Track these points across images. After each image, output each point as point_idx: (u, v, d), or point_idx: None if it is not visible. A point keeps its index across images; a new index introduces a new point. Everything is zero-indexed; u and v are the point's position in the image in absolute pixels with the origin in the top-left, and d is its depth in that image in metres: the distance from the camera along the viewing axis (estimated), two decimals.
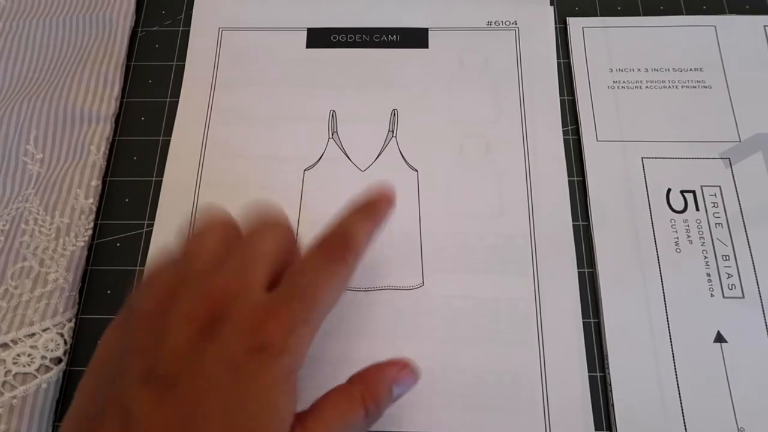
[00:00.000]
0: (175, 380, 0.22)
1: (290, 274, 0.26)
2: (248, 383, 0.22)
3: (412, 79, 0.41)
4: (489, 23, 0.43)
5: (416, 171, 0.39)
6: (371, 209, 0.29)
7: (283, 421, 0.23)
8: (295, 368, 0.24)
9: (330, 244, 0.27)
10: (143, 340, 0.24)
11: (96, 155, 0.38)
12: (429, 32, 0.43)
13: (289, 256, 0.28)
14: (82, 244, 0.35)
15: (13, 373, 0.31)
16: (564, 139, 0.39)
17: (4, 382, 0.31)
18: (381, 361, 0.28)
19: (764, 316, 0.34)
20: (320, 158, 0.39)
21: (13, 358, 0.31)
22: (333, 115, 0.40)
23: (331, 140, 0.40)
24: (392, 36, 0.43)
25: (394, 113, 0.40)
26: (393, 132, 0.40)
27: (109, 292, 0.36)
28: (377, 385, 0.27)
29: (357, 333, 0.35)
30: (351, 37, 0.43)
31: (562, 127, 0.40)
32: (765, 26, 0.42)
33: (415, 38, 0.43)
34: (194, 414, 0.22)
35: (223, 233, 0.27)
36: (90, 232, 0.36)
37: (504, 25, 0.43)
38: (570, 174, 0.38)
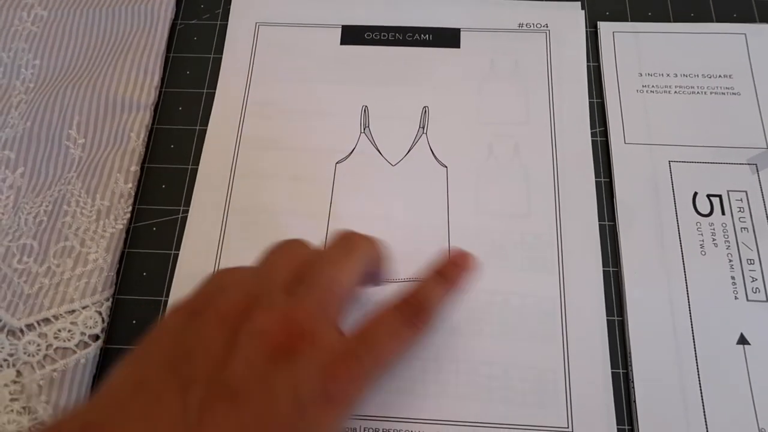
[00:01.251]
0: (241, 395, 0.22)
1: (368, 326, 0.27)
2: (309, 425, 0.23)
3: (444, 78, 0.42)
4: (520, 25, 0.44)
5: (446, 167, 0.39)
6: (451, 277, 0.29)
7: None
8: (347, 419, 0.25)
9: (409, 308, 0.27)
10: (216, 342, 0.24)
11: (136, 142, 0.39)
12: (461, 32, 0.44)
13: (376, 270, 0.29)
14: (121, 226, 0.37)
15: (54, 347, 0.32)
16: (592, 140, 0.40)
17: (46, 356, 0.32)
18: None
19: None
20: (352, 152, 0.40)
21: (54, 333, 0.33)
22: (365, 110, 0.41)
23: (363, 135, 0.41)
24: (425, 35, 0.44)
25: (425, 110, 0.41)
26: (423, 129, 0.41)
27: (144, 274, 0.37)
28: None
29: None
30: (384, 35, 0.44)
31: (591, 129, 0.40)
32: None
33: (447, 38, 0.43)
34: None
35: (305, 252, 0.28)
36: (128, 215, 0.37)
37: (535, 28, 0.43)
38: (597, 175, 0.39)
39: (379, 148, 0.40)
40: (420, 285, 0.29)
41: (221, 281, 0.27)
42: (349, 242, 0.29)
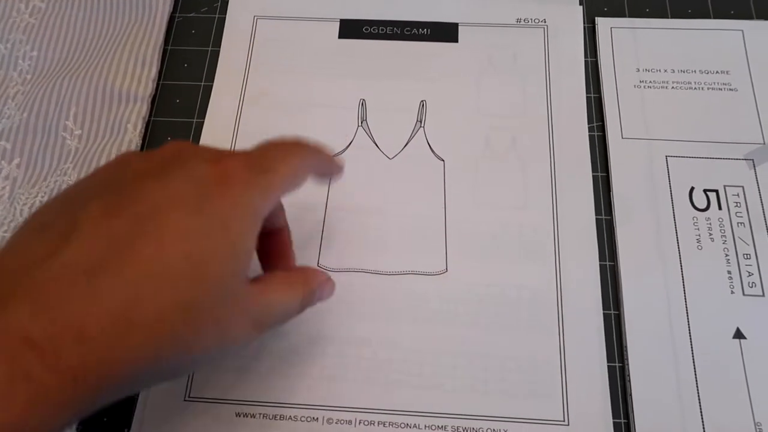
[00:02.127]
0: (135, 196, 0.22)
1: (254, 149, 0.27)
2: (211, 202, 0.23)
3: (442, 72, 0.42)
4: (518, 20, 0.44)
5: (443, 161, 0.39)
6: (319, 150, 0.30)
7: (235, 245, 0.23)
8: (258, 209, 0.24)
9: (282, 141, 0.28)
10: (104, 173, 0.25)
11: (132, 133, 0.39)
12: (459, 27, 0.44)
13: None
14: None
15: None
16: (589, 135, 0.40)
17: None
18: (311, 267, 0.31)
19: None
20: (349, 145, 0.40)
21: None
22: (363, 103, 0.41)
23: (360, 128, 0.41)
24: (423, 29, 0.44)
25: (422, 104, 0.41)
26: (421, 122, 0.41)
27: None
28: (312, 283, 0.29)
29: (380, 315, 0.35)
30: (382, 29, 0.44)
31: (588, 123, 0.40)
32: None
33: (445, 32, 0.44)
34: (146, 223, 0.21)
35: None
36: None
37: (533, 23, 0.44)
38: (594, 169, 0.39)
39: (376, 142, 0.40)
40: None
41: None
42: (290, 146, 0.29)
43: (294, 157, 0.27)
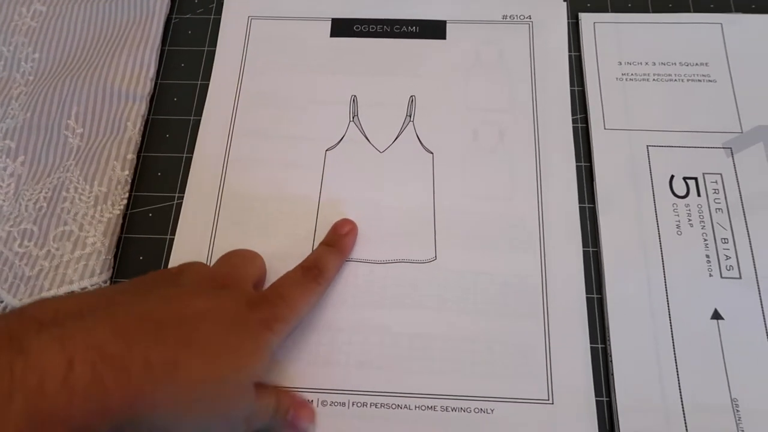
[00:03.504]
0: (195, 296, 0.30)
1: (275, 284, 0.33)
2: (243, 323, 0.29)
3: (430, 68, 0.44)
4: (504, 17, 0.45)
5: (432, 153, 0.41)
6: (339, 244, 0.37)
7: (251, 362, 0.29)
8: (273, 348, 0.30)
9: (308, 268, 0.35)
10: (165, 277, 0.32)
11: (132, 131, 0.40)
12: (447, 24, 0.45)
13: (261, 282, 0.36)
14: (118, 212, 0.38)
15: None
16: (573, 127, 0.41)
17: None
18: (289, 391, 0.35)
19: (759, 296, 0.36)
20: (341, 140, 0.41)
21: None
22: (354, 99, 0.43)
23: (352, 123, 0.42)
24: (412, 27, 0.45)
25: (412, 99, 0.42)
26: (411, 116, 0.42)
27: (141, 258, 0.38)
28: (284, 399, 0.33)
29: (373, 302, 0.37)
30: (373, 28, 0.45)
31: (572, 115, 0.42)
32: None
33: (433, 29, 0.45)
34: (205, 316, 0.28)
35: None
36: (125, 201, 0.39)
37: (519, 19, 0.45)
38: (578, 160, 0.40)
39: (367, 136, 0.41)
40: (314, 253, 0.36)
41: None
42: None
43: (307, 300, 0.34)
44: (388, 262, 0.38)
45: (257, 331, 0.30)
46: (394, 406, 0.34)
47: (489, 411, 0.34)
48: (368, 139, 0.41)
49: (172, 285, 0.31)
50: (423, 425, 0.34)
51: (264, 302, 0.31)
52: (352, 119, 0.42)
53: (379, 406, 0.34)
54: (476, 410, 0.34)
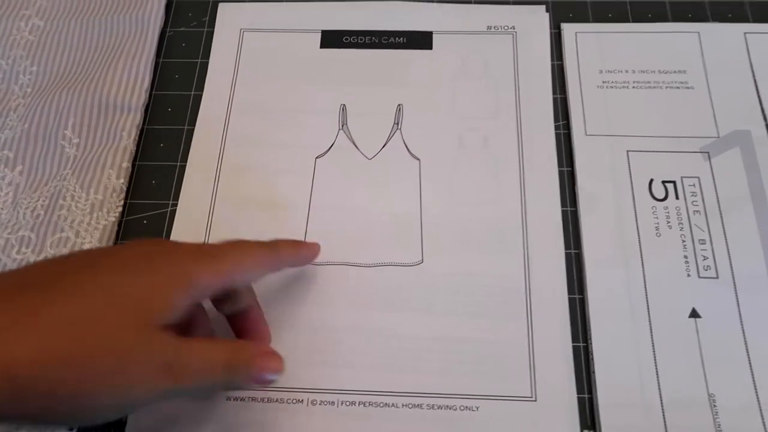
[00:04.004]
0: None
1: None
2: (152, 262, 0.28)
3: (417, 78, 0.45)
4: (489, 28, 0.47)
5: (418, 160, 0.42)
6: (301, 246, 0.37)
7: (154, 297, 0.26)
8: (194, 280, 0.28)
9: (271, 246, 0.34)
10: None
11: (127, 140, 0.41)
12: (434, 35, 0.46)
13: None
14: (114, 219, 0.39)
15: None
16: (556, 133, 0.42)
17: None
18: (253, 342, 0.34)
19: (736, 295, 0.37)
20: (330, 147, 0.43)
21: None
22: (343, 108, 0.44)
23: (341, 131, 0.43)
24: (399, 38, 0.46)
25: (399, 108, 0.44)
26: (398, 124, 0.43)
27: None
28: (241, 352, 0.30)
29: (362, 304, 0.38)
30: (361, 39, 0.47)
31: (555, 122, 0.43)
32: (745, 33, 0.45)
33: (420, 40, 0.46)
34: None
35: None
36: (120, 209, 0.40)
37: (503, 30, 0.46)
38: (560, 165, 0.42)
39: (356, 144, 0.43)
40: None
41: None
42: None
43: (244, 254, 0.31)
44: (376, 266, 0.39)
45: (165, 265, 0.27)
46: (382, 405, 0.35)
47: (474, 408, 0.35)
48: (357, 147, 0.43)
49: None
50: (410, 423, 0.35)
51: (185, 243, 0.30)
52: (341, 127, 0.43)
53: (367, 405, 0.35)
54: (462, 408, 0.35)
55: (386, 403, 0.35)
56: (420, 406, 0.35)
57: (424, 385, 0.35)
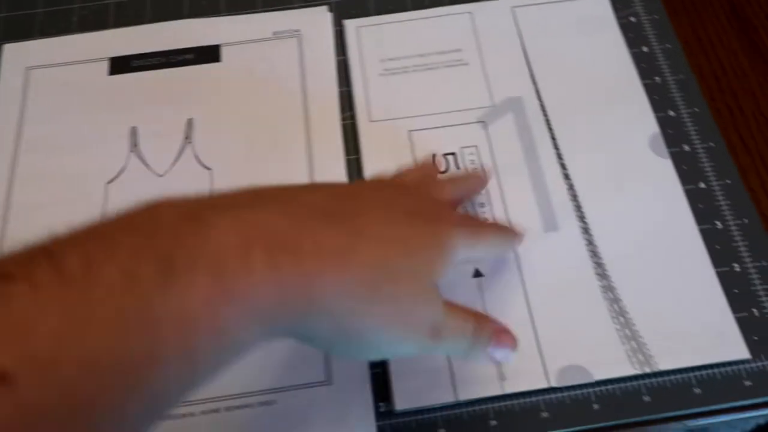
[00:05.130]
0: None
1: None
2: (421, 215, 0.29)
3: (207, 91, 0.45)
4: (275, 33, 0.48)
5: (210, 169, 0.42)
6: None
7: (426, 253, 0.28)
8: (456, 250, 0.29)
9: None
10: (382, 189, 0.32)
11: None
12: (221, 48, 0.47)
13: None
14: None
15: None
16: (343, 124, 0.44)
17: None
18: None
19: (515, 251, 0.38)
20: (121, 171, 0.42)
21: None
22: (134, 131, 0.44)
23: (132, 154, 0.43)
24: (188, 55, 0.47)
25: (189, 122, 0.44)
26: (188, 138, 0.44)
27: None
28: (486, 321, 0.32)
29: None
30: (149, 61, 0.47)
31: (341, 114, 0.44)
32: (512, 7, 0.48)
33: (208, 54, 0.47)
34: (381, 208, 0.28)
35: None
36: None
37: (288, 34, 0.48)
38: (349, 154, 0.43)
39: (147, 163, 0.43)
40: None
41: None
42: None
43: (499, 236, 0.36)
44: None
45: (437, 226, 0.29)
46: (179, 416, 0.35)
47: (272, 402, 0.35)
48: (148, 166, 0.43)
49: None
50: (209, 429, 0.34)
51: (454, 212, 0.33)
52: (132, 149, 0.43)
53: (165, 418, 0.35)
54: (259, 404, 0.35)
55: (182, 414, 0.35)
56: (218, 410, 0.35)
57: (219, 388, 0.35)
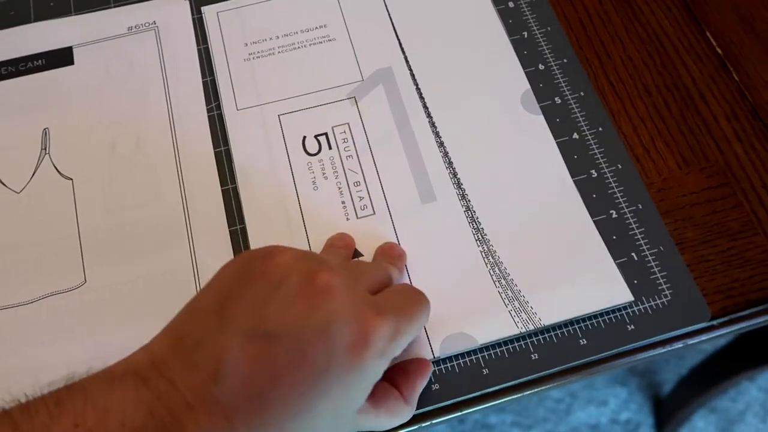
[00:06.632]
0: (274, 338, 0.25)
1: (390, 289, 0.31)
2: (342, 369, 0.25)
3: (62, 97, 0.43)
4: (130, 28, 0.45)
5: (71, 179, 0.40)
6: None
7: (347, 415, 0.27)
8: (379, 375, 0.27)
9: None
10: (251, 288, 0.27)
11: None
12: (74, 49, 0.44)
13: None
14: None
15: None
16: (210, 115, 0.42)
17: None
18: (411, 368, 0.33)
19: (393, 225, 0.38)
20: None
21: None
22: None
23: None
24: (38, 61, 0.44)
25: (45, 132, 0.41)
26: (46, 149, 0.41)
27: None
28: (415, 390, 0.33)
29: (29, 344, 0.35)
30: None
31: (207, 105, 0.42)
32: None
33: (59, 58, 0.44)
34: (281, 379, 0.25)
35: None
36: None
37: (144, 27, 0.45)
38: (217, 145, 0.41)
39: (2, 180, 0.40)
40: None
41: (271, 251, 0.29)
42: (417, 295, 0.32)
43: (425, 317, 0.32)
44: (37, 300, 0.37)
45: (352, 367, 0.26)
46: None
47: None
48: (4, 183, 0.40)
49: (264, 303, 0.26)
50: None
51: (380, 317, 0.27)
52: None
53: None
54: None
55: None
56: None
57: None
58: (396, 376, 0.32)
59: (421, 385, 0.33)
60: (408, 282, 0.36)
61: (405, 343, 0.29)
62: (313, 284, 0.26)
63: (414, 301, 0.31)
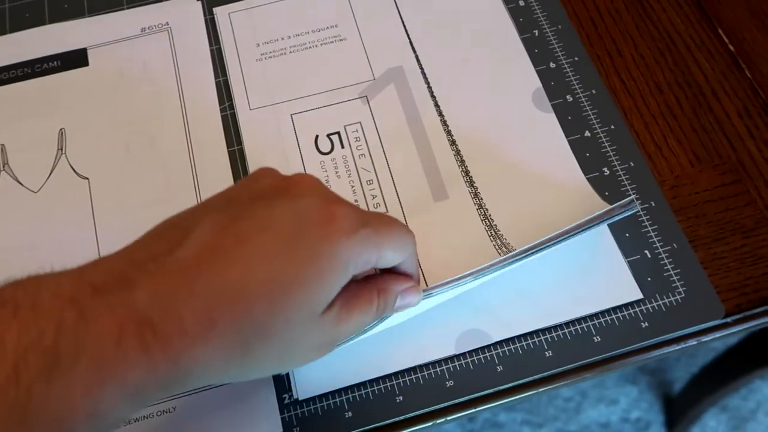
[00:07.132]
0: (245, 210, 0.26)
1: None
2: (307, 237, 0.26)
3: (77, 98, 0.43)
4: (143, 29, 0.46)
5: (87, 179, 0.40)
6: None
7: (317, 284, 0.26)
8: (350, 260, 0.26)
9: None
10: (231, 191, 0.29)
11: None
12: (88, 51, 0.45)
13: None
14: None
15: None
16: (222, 115, 0.42)
17: None
18: (393, 275, 0.31)
19: (405, 223, 0.38)
20: None
21: None
22: (2, 149, 0.42)
23: (3, 172, 0.41)
24: (53, 62, 0.45)
25: (61, 132, 0.42)
26: (62, 149, 0.41)
27: None
28: (389, 291, 0.30)
29: None
30: (14, 73, 0.44)
31: (220, 105, 0.42)
32: None
33: (74, 60, 0.45)
34: (242, 242, 0.25)
35: None
36: None
37: (157, 29, 0.45)
38: (230, 145, 0.41)
39: (20, 180, 0.41)
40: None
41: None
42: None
43: (403, 235, 0.30)
44: None
45: (320, 238, 0.26)
46: None
47: (171, 410, 0.34)
48: (21, 183, 0.40)
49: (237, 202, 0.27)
50: None
51: (346, 207, 0.27)
52: (2, 168, 0.41)
53: None
54: (158, 413, 0.34)
55: None
56: None
57: None
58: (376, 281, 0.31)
59: (397, 289, 0.31)
60: (422, 281, 0.36)
61: (378, 248, 0.28)
62: (287, 178, 0.29)
63: (393, 226, 0.30)
